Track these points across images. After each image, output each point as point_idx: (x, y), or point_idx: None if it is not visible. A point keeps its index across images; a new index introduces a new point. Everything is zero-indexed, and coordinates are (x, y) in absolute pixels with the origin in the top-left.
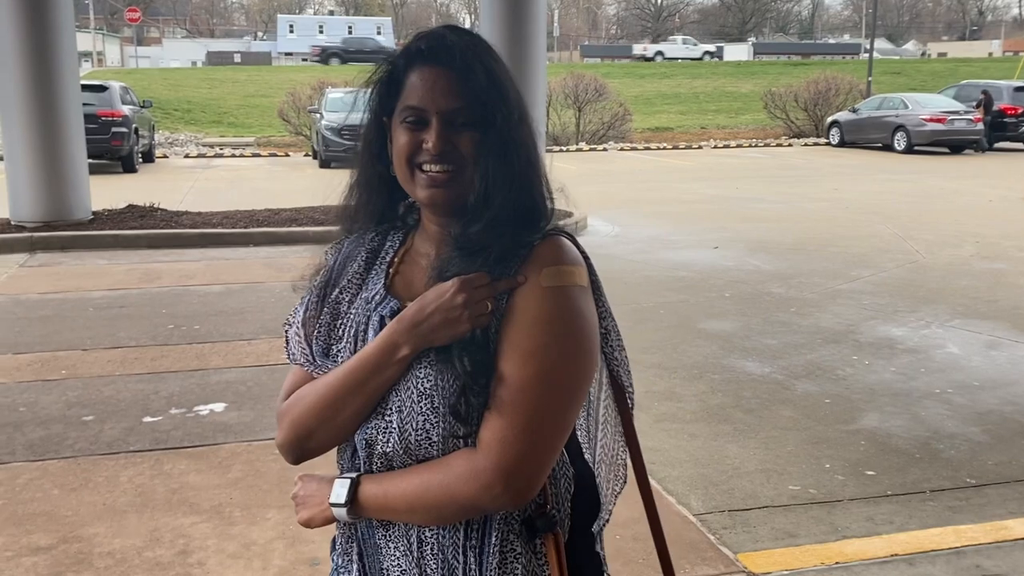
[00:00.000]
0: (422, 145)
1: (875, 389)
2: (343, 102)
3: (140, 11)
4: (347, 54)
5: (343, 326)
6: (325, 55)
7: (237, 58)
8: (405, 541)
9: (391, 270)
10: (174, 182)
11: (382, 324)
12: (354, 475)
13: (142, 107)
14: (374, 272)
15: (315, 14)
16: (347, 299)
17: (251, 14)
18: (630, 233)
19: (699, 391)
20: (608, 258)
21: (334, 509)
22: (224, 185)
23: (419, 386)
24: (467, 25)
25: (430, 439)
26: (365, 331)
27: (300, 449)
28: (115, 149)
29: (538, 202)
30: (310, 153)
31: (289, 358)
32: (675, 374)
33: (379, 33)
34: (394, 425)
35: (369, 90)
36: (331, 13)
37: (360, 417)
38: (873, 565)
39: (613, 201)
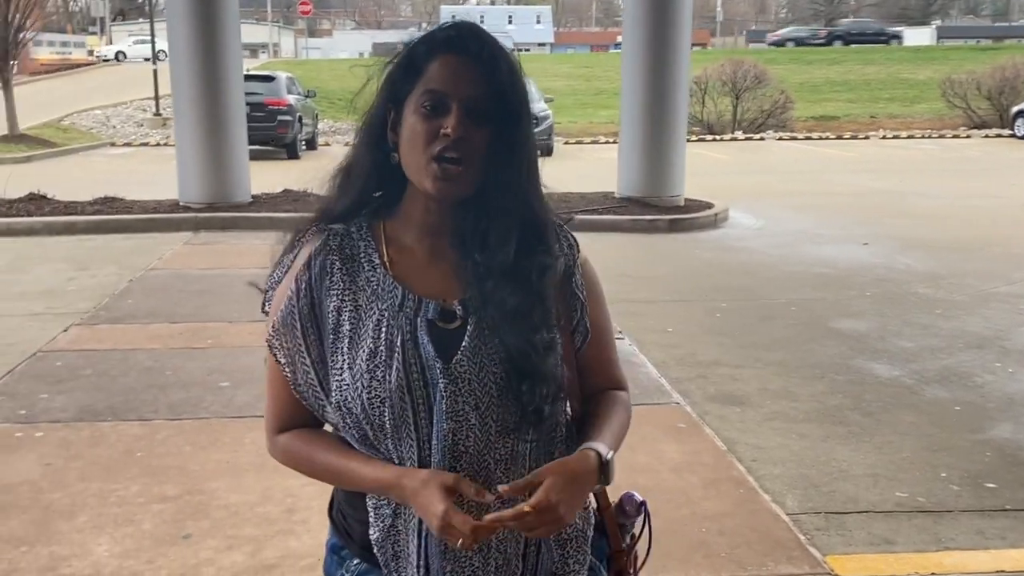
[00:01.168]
0: (440, 131)
1: (1014, 399)
2: None
3: (311, 4)
4: (850, 36)
5: (360, 339)
6: (830, 38)
7: (400, 48)
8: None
9: (391, 271)
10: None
11: (431, 328)
12: (603, 447)
13: (306, 97)
14: (367, 277)
15: (478, 4)
16: (348, 315)
17: (417, 5)
18: (775, 226)
19: (817, 391)
20: (745, 251)
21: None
22: None
23: (497, 381)
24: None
25: (507, 428)
26: (413, 340)
27: None
28: (280, 136)
29: (541, 199)
30: None
31: (294, 388)
32: (795, 373)
33: (538, 22)
34: (473, 422)
35: (383, 73)
36: (492, 2)
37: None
38: None
39: (762, 193)
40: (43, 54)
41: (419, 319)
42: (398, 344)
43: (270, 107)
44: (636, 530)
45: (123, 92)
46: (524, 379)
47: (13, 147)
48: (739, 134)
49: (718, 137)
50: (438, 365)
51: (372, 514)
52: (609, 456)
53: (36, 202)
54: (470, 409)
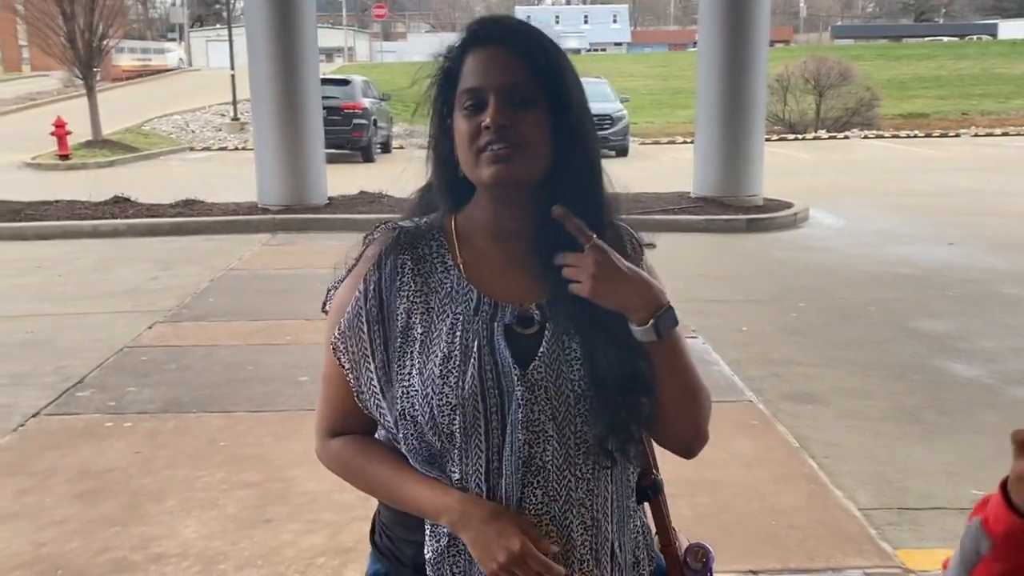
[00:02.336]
0: (481, 125)
1: None
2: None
3: (386, 7)
4: None
5: (433, 343)
6: None
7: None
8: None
9: (464, 273)
10: (407, 172)
11: (508, 333)
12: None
13: (381, 100)
14: (439, 279)
15: (553, 5)
16: (419, 317)
17: (491, 7)
18: (857, 226)
19: (895, 390)
20: (825, 251)
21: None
22: None
23: (575, 389)
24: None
25: (587, 441)
26: (489, 345)
27: None
28: (355, 140)
29: (604, 185)
30: None
31: (356, 396)
32: (872, 372)
33: (615, 21)
34: (550, 433)
35: (431, 91)
36: (568, 2)
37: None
38: None
39: (845, 192)
40: (124, 61)
41: (496, 324)
42: (474, 349)
43: (346, 111)
44: None
45: (202, 97)
46: (627, 393)
47: (97, 152)
48: (822, 133)
49: (800, 136)
50: (515, 372)
51: (428, 531)
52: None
53: (120, 205)
54: (547, 419)
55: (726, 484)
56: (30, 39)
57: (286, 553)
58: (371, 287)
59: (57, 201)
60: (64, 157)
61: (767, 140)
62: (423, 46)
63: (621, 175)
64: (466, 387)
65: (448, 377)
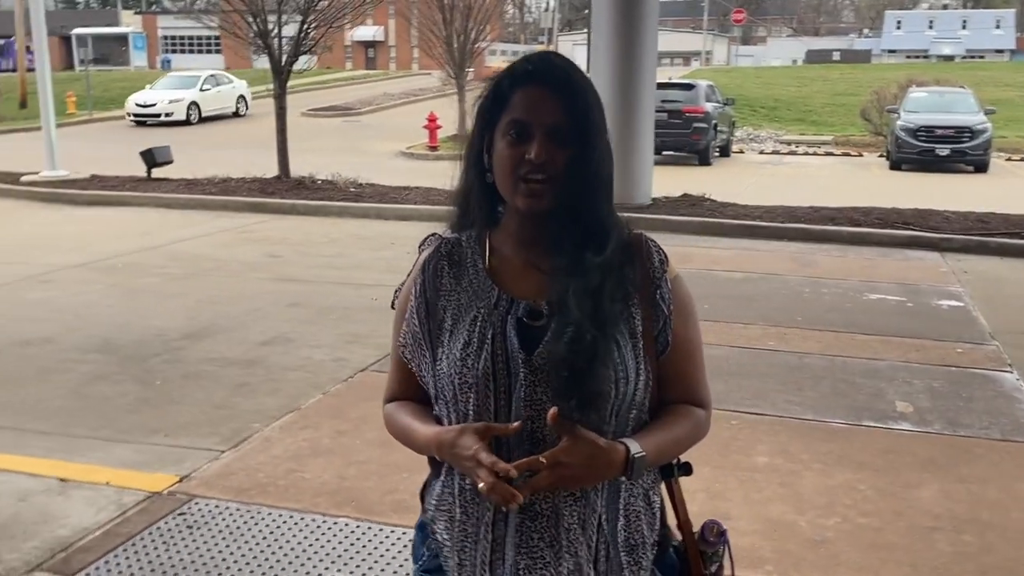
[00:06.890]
0: (524, 156)
1: None
2: (925, 102)
3: (745, 12)
4: None
5: (458, 332)
6: None
7: (836, 56)
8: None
9: (491, 275)
10: (738, 176)
11: (520, 324)
12: (635, 445)
13: (724, 105)
14: (470, 280)
15: (929, 8)
16: (451, 312)
17: (860, 11)
18: None
19: None
20: None
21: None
22: (783, 181)
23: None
24: None
25: (580, 420)
26: (502, 334)
27: None
28: (693, 143)
29: (609, 211)
30: (884, 154)
31: (420, 380)
32: None
33: (997, 27)
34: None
35: (476, 105)
36: (945, 7)
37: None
38: None
39: None
40: (495, 62)
41: (510, 316)
42: (488, 337)
43: (687, 115)
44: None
45: None
46: (593, 360)
47: (460, 145)
48: None
49: None
50: (520, 356)
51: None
52: (637, 454)
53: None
54: (547, 400)
55: (998, 526)
56: (419, 42)
57: None
58: (418, 290)
59: (416, 187)
60: (433, 148)
61: None
62: (782, 50)
63: (972, 192)
64: (480, 369)
65: (467, 360)
